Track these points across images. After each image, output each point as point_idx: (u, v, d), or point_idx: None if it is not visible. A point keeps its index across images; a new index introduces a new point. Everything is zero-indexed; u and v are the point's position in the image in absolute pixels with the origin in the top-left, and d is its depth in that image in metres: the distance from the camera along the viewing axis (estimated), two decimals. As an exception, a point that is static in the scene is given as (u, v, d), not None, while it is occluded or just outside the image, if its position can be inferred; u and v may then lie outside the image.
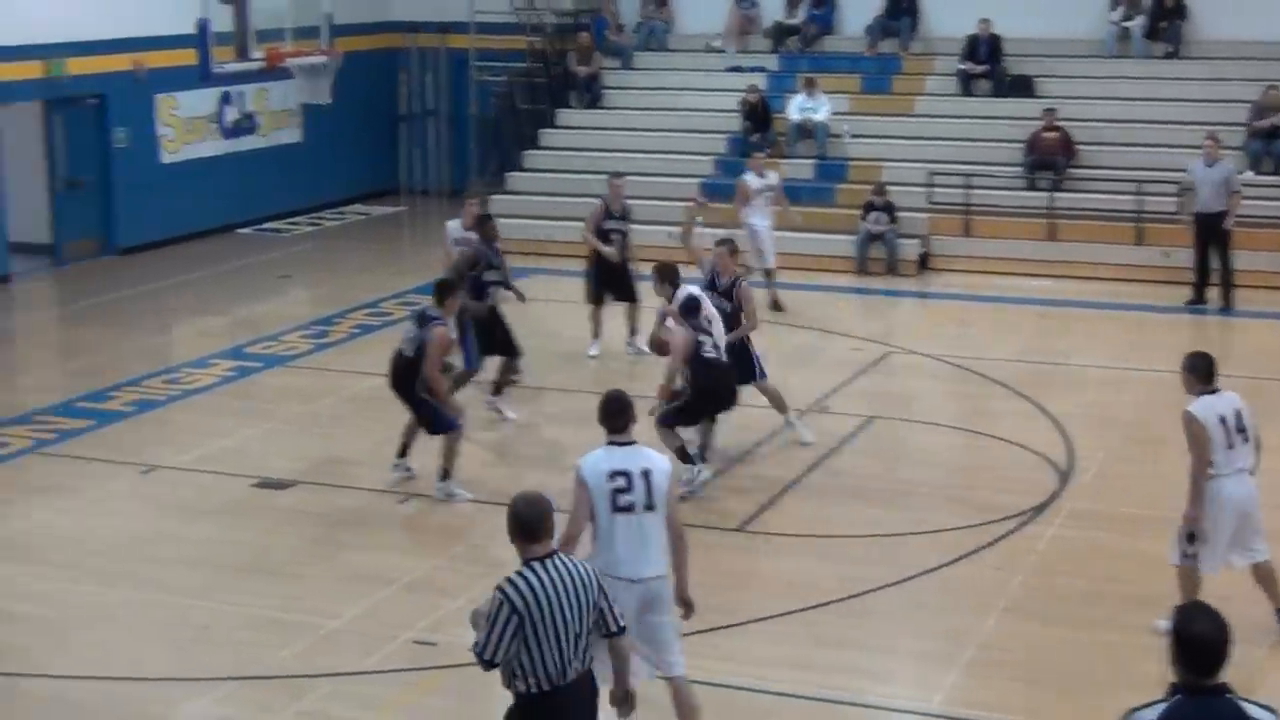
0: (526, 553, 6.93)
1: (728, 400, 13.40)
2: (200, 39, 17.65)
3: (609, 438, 8.50)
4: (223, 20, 18.56)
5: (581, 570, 7.00)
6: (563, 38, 27.28)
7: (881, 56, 25.76)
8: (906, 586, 11.38)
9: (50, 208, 22.68)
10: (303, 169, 26.84)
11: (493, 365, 15.41)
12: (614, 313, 17.59)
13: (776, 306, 19.51)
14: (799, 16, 26.47)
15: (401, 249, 26.01)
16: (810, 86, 24.29)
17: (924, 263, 22.42)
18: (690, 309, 13.18)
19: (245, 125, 25.85)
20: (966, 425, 15.36)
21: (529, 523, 6.92)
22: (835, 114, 24.27)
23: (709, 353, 13.02)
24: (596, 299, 17.42)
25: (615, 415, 8.52)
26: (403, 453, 13.46)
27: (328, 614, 10.86)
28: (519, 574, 6.87)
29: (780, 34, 26.44)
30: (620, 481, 8.26)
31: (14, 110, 21.66)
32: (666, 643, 8.47)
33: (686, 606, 8.57)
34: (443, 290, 13.18)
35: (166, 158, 24.26)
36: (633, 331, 17.47)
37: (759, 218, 19.90)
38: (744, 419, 14.34)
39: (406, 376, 12.97)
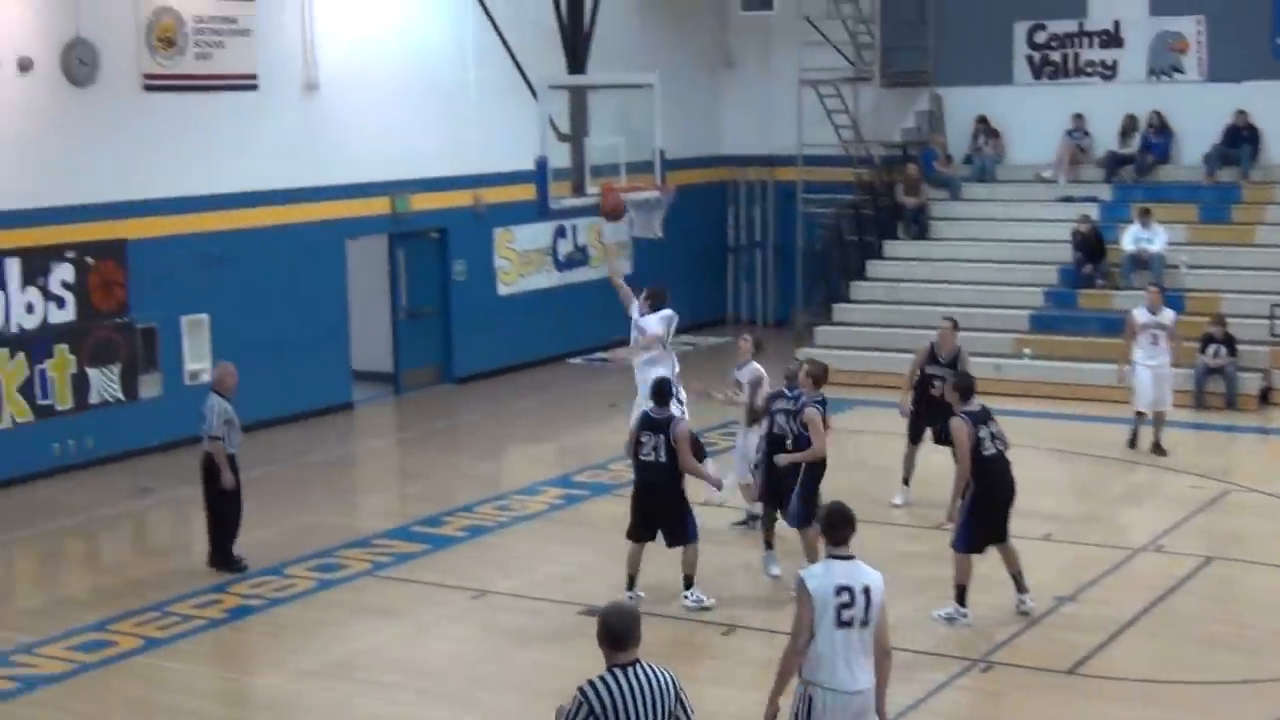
0: (612, 659, 7.27)
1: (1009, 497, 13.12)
2: (539, 175, 18.18)
3: (830, 550, 8.57)
4: (560, 157, 19.13)
5: (663, 679, 7.29)
6: (890, 170, 27.32)
7: (1220, 185, 25.07)
8: (1248, 739, 10.85)
9: (392, 337, 23.61)
10: (632, 300, 27.35)
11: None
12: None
13: (1158, 450, 18.84)
14: (1133, 146, 25.96)
15: (726, 378, 26.11)
16: (1145, 216, 23.76)
17: (1265, 397, 21.60)
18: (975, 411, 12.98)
19: (578, 258, 26.56)
20: (1312, 569, 14.65)
21: (619, 632, 7.26)
22: (1172, 244, 23.67)
23: (989, 450, 12.80)
24: (914, 438, 17.02)
25: (839, 527, 8.60)
26: (631, 584, 13.66)
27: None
28: (600, 678, 7.21)
29: (1114, 163, 25.97)
30: (845, 597, 8.37)
31: (361, 244, 22.69)
32: None
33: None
34: (662, 391, 13.64)
35: (503, 289, 25.06)
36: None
37: (1145, 354, 18.90)
38: (1079, 555, 13.94)
39: (664, 487, 13.37)
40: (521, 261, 25.39)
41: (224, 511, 14.86)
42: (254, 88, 20.66)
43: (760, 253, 29.69)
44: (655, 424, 13.48)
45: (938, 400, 16.14)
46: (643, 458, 13.52)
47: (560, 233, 26.05)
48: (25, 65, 18.15)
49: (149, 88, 19.50)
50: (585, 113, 20.82)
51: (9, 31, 18.04)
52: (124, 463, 19.08)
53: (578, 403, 23.01)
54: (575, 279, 26.46)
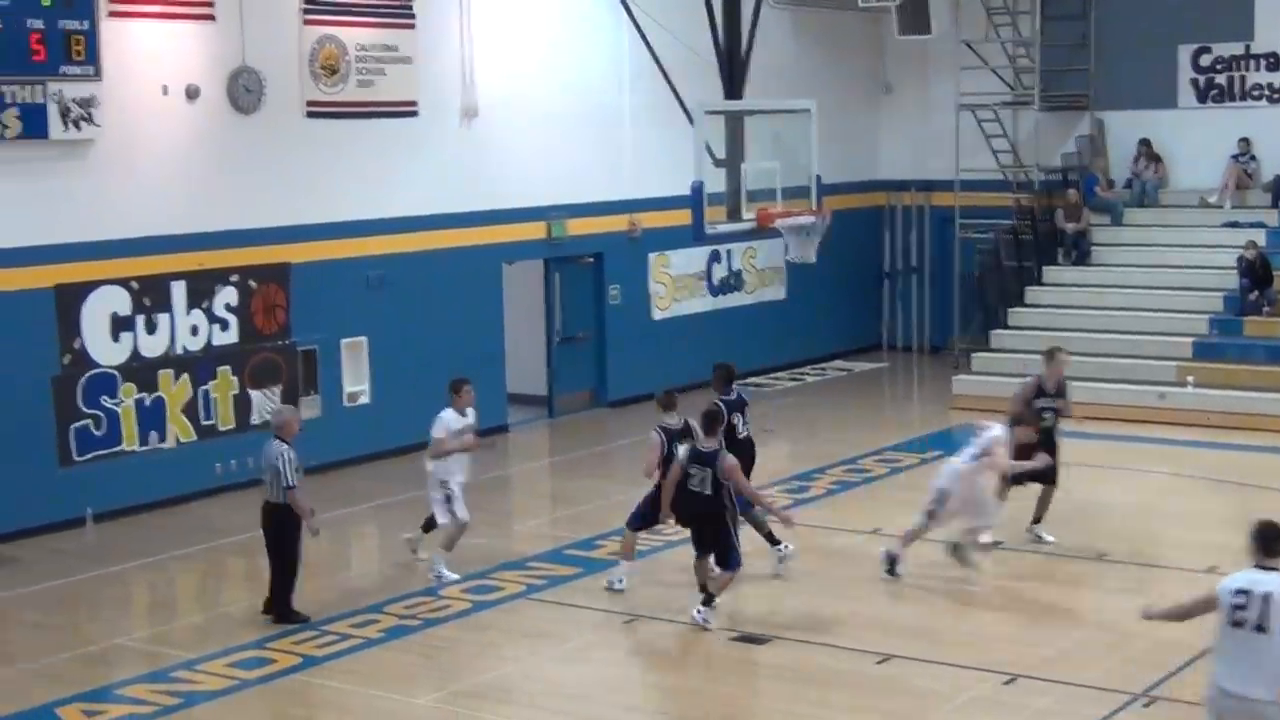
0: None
1: None
2: (694, 200, 18.19)
3: (1258, 560, 8.98)
4: (715, 182, 19.12)
5: None
6: (1050, 194, 26.95)
7: (1393, 209, 24.42)
8: None
9: (547, 361, 23.75)
10: (786, 325, 27.31)
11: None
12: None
13: None
14: (1302, 169, 25.36)
15: (882, 405, 26.00)
16: (1314, 241, 23.20)
17: None
18: None
19: (732, 283, 26.55)
20: None
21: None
22: (1342, 270, 23.09)
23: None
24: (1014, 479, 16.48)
25: (1274, 540, 8.98)
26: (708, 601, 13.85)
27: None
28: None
29: (1281, 188, 25.39)
30: (1240, 599, 8.85)
31: (518, 268, 22.87)
32: None
33: None
34: (712, 423, 13.84)
35: (657, 314, 25.11)
36: (1037, 519, 16.29)
37: None
38: None
39: (711, 518, 13.69)
40: (676, 286, 25.42)
41: (292, 561, 14.33)
42: (414, 114, 20.94)
43: (916, 278, 29.44)
44: (703, 457, 13.73)
45: (1048, 432, 16.12)
46: (691, 489, 13.74)
47: (715, 257, 26.05)
48: (193, 93, 18.55)
49: (312, 114, 19.84)
50: (741, 137, 20.79)
51: (178, 60, 18.45)
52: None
53: (731, 428, 22.89)
54: (729, 303, 26.44)
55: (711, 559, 14.05)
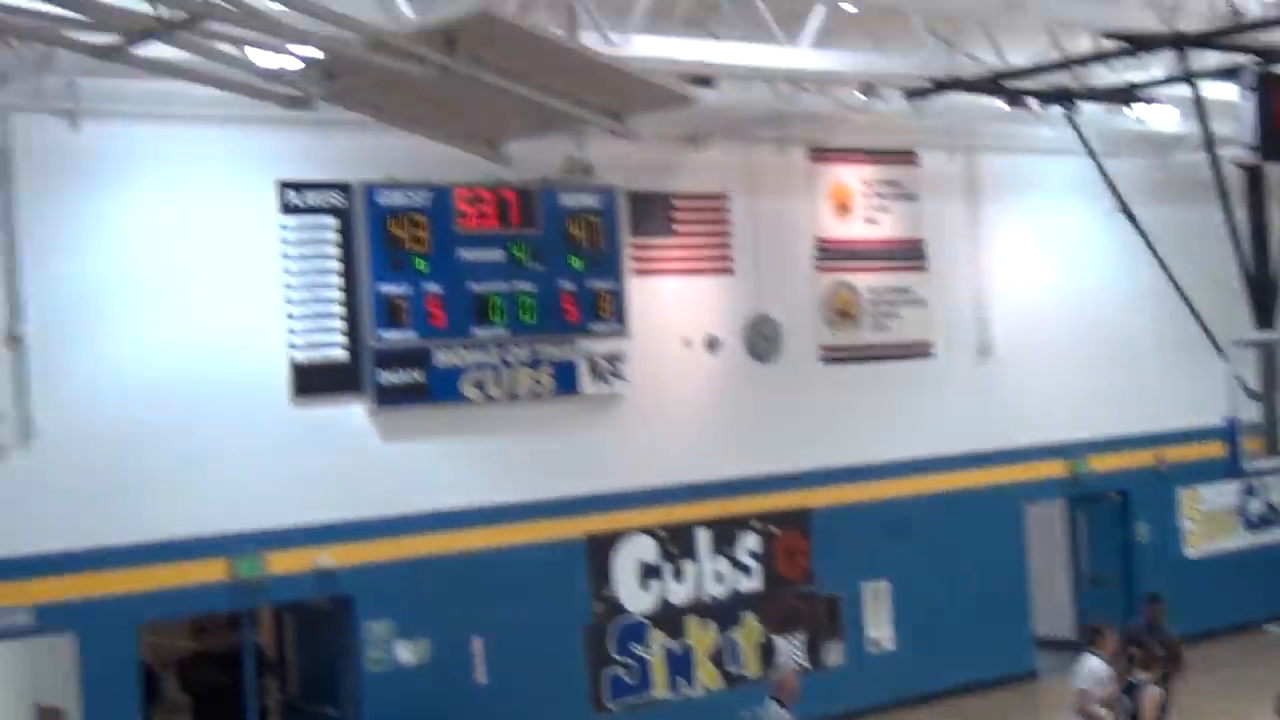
0: None
1: None
2: (1229, 435, 17.36)
3: None
4: (1249, 413, 18.21)
5: None
6: None
7: None
8: None
9: (1074, 603, 22.88)
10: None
11: None
12: None
13: None
14: None
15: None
16: None
17: None
18: None
19: (1270, 517, 25.06)
20: None
21: None
22: None
23: None
24: None
25: None
26: None
27: None
28: None
29: None
30: None
31: (1039, 508, 22.26)
32: None
33: None
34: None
35: (1189, 551, 23.92)
36: None
37: None
38: None
39: None
40: (1207, 522, 24.19)
41: None
42: (929, 355, 20.89)
43: None
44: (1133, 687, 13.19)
45: None
46: None
47: (1249, 490, 24.69)
48: (713, 344, 19.05)
49: (827, 359, 20.06)
50: (1275, 367, 19.76)
51: (698, 313, 19.04)
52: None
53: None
54: (1267, 539, 24.93)
55: None
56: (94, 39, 10.00)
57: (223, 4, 9.04)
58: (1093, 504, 23.01)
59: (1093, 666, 14.77)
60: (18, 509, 14.71)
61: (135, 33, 9.49)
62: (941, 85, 17.42)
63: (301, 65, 10.02)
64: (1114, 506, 23.25)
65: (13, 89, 14.52)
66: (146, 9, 9.22)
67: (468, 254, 17.10)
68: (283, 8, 9.94)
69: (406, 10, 13.22)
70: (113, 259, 15.36)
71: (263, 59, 10.67)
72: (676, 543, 18.68)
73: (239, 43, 10.31)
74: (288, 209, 16.25)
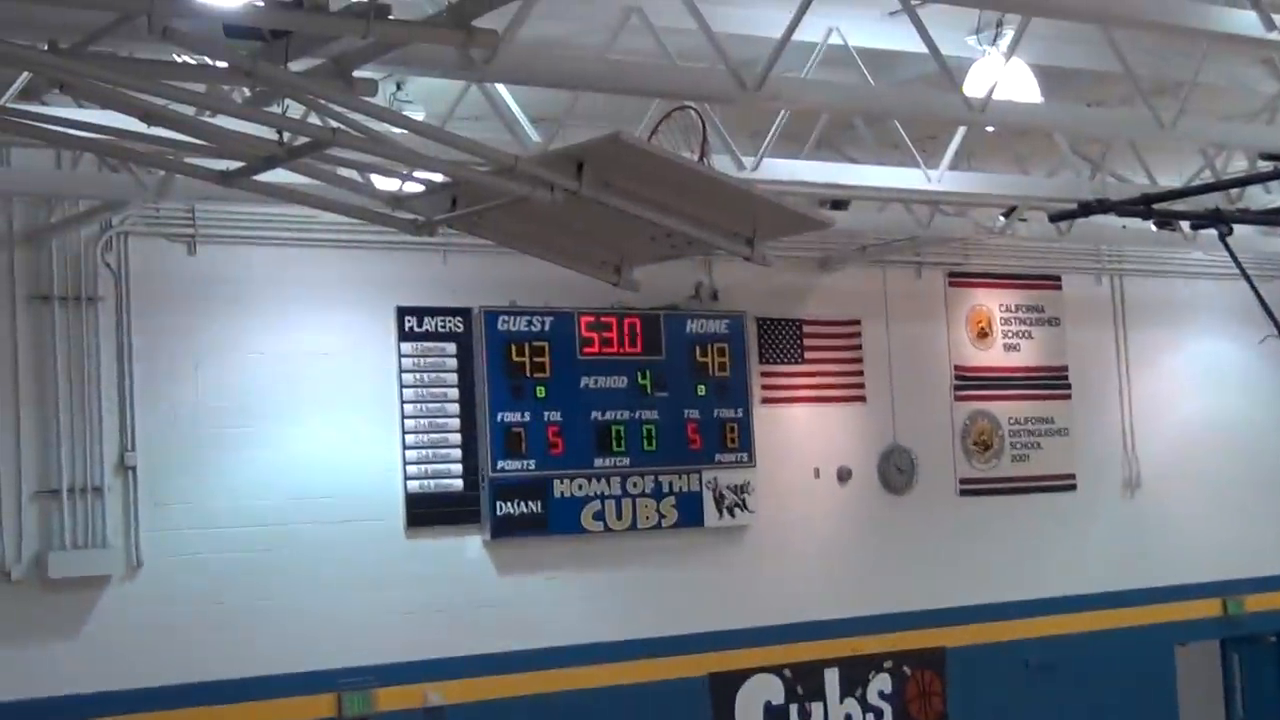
0: None
1: None
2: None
3: None
4: None
5: None
6: None
7: None
8: None
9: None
10: None
11: None
12: None
13: None
14: None
15: None
16: None
17: None
18: None
19: None
20: None
21: None
22: None
23: None
24: None
25: None
26: None
27: None
28: None
29: None
30: None
31: (1191, 650, 21.22)
32: None
33: None
34: None
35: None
36: None
37: None
38: None
39: None
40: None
41: None
42: (1072, 488, 20.07)
43: None
44: None
45: None
46: None
47: None
48: (844, 475, 18.42)
49: (965, 492, 19.32)
50: None
51: (829, 443, 18.41)
52: None
53: None
54: None
55: None
56: (216, 165, 9.81)
57: (349, 130, 8.79)
58: (1250, 646, 21.90)
59: None
60: (126, 639, 14.41)
61: (258, 159, 9.27)
62: (1088, 208, 16.75)
63: (423, 189, 9.75)
64: (1273, 649, 22.09)
65: (132, 213, 14.43)
66: (270, 135, 8.99)
67: (590, 381, 16.69)
68: (408, 133, 9.71)
69: (533, 134, 12.94)
70: (226, 385, 15.07)
71: (384, 183, 10.44)
72: (804, 683, 17.91)
73: (362, 169, 10.11)
74: (406, 335, 15.94)
